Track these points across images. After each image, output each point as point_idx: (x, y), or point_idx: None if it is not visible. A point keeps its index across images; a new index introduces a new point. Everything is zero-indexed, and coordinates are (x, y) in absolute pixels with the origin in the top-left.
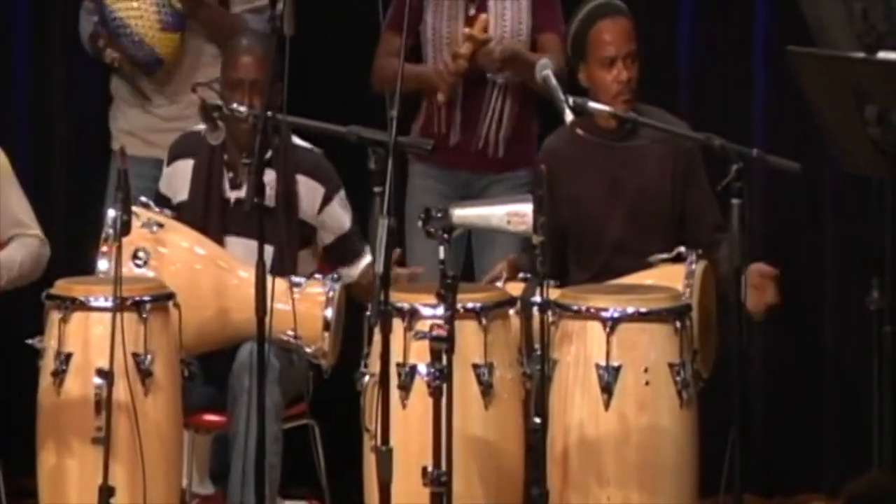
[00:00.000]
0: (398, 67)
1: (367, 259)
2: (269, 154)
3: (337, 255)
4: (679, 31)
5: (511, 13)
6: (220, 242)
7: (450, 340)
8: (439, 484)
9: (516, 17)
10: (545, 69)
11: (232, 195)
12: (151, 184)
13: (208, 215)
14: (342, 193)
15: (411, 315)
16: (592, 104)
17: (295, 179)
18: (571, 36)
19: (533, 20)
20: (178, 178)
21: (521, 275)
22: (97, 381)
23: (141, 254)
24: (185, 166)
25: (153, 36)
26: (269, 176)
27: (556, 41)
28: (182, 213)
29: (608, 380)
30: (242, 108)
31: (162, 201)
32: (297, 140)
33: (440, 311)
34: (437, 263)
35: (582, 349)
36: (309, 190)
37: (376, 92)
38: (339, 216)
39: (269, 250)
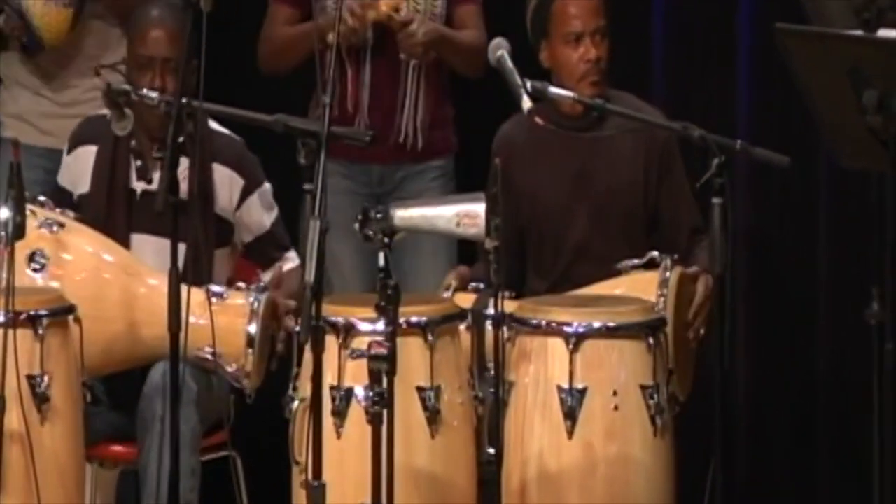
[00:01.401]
0: (287, 34)
1: (290, 264)
2: (180, 139)
3: (256, 255)
4: (654, 5)
5: None
6: (126, 240)
7: (391, 360)
8: None
9: None
10: (500, 49)
11: (139, 186)
12: (44, 176)
13: (112, 209)
14: (265, 189)
15: (347, 331)
16: (553, 89)
17: (211, 168)
18: (532, 9)
19: None
20: (80, 168)
21: (472, 284)
22: None
23: (39, 257)
24: (87, 154)
25: (39, 14)
26: (182, 164)
27: (476, 12)
28: (83, 207)
29: (572, 404)
30: (153, 94)
31: (61, 196)
32: (214, 125)
33: (380, 325)
34: (366, 271)
35: (542, 369)
36: (227, 181)
37: (267, 72)
38: (259, 213)
39: (181, 250)
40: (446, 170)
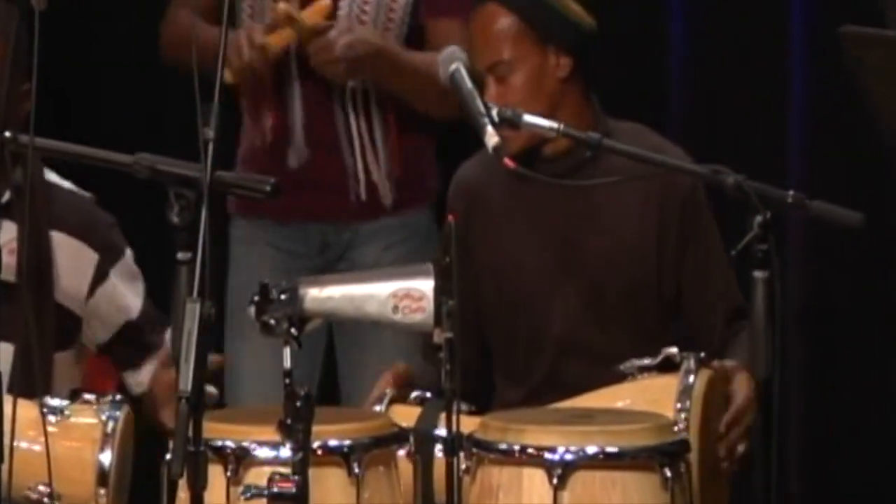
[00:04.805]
0: (195, 22)
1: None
2: (5, 197)
3: (121, 353)
4: (672, 8)
5: None
6: None
7: (301, 500)
8: None
9: None
10: (454, 61)
11: None
12: None
13: None
14: (126, 259)
15: (238, 459)
16: (529, 118)
17: (49, 239)
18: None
19: (418, 1)
20: None
21: (414, 393)
22: None
23: None
24: None
25: None
26: (9, 233)
27: (459, 29)
28: None
29: None
30: None
31: None
32: (54, 178)
33: (285, 452)
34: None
35: None
36: (72, 257)
37: (165, 60)
38: (122, 297)
39: (6, 351)
40: (418, 228)
